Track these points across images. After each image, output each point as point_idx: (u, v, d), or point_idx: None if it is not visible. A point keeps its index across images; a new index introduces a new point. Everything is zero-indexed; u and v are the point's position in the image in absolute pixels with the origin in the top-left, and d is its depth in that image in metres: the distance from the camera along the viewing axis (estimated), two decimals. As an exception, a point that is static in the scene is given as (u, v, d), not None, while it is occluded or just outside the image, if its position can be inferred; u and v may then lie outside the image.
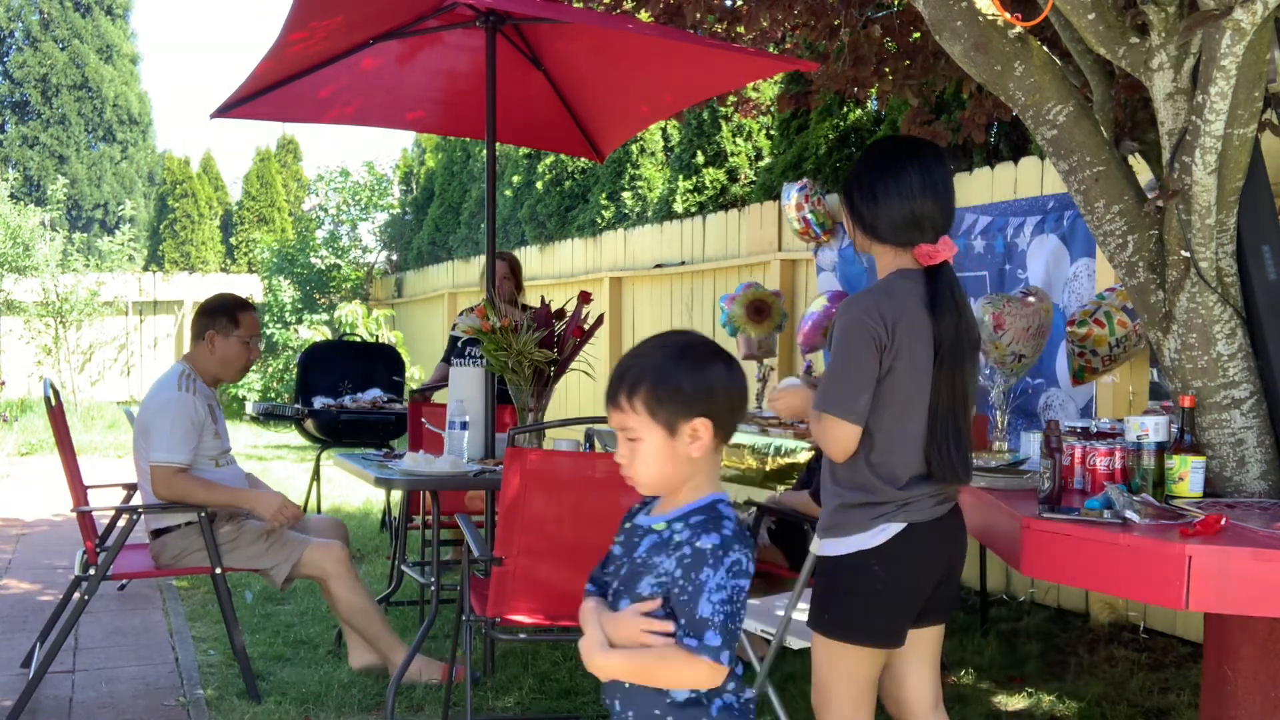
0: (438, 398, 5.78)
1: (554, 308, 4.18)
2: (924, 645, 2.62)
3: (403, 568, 5.05)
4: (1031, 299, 4.33)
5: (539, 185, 10.99)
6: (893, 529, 2.43)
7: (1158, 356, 2.92)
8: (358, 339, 12.18)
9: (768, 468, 4.83)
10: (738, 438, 4.91)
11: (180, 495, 4.03)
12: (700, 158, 8.49)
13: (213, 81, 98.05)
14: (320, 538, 4.27)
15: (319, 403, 7.43)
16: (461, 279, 13.13)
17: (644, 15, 5.02)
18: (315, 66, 4.63)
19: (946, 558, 2.51)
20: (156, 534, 4.16)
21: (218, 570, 4.03)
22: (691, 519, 1.83)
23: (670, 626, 1.77)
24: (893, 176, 2.50)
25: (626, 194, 9.58)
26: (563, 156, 10.54)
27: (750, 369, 7.18)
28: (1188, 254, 2.69)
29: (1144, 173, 3.40)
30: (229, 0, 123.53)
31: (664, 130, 9.66)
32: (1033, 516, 2.51)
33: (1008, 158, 5.65)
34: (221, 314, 4.24)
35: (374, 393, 7.63)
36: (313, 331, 14.36)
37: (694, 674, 1.76)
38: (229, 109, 4.74)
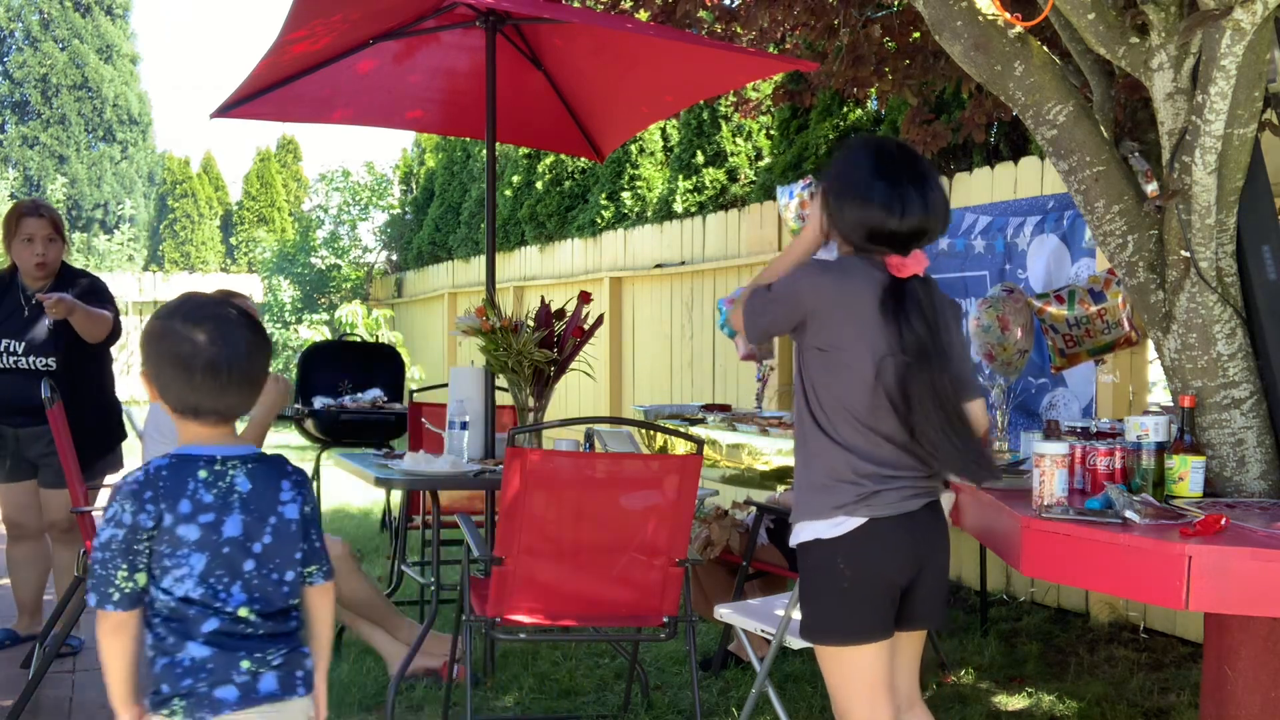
0: (438, 396, 5.74)
1: (554, 308, 4.17)
2: (904, 648, 2.57)
3: (402, 568, 5.05)
4: (1014, 294, 4.33)
5: (539, 185, 10.99)
6: (852, 523, 2.39)
7: (1159, 356, 2.92)
8: (358, 339, 12.17)
9: (767, 468, 4.83)
10: (737, 437, 4.90)
11: None
12: (700, 158, 8.49)
13: (213, 81, 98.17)
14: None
15: (319, 403, 7.43)
16: (461, 279, 13.13)
17: (642, 15, 5.03)
18: (315, 66, 4.63)
19: (918, 554, 2.45)
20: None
21: (218, 570, 4.02)
22: None
23: None
24: (880, 186, 2.43)
25: (626, 194, 9.58)
26: (563, 156, 10.53)
27: (749, 368, 7.17)
28: (1188, 254, 2.69)
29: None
30: (229, 0, 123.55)
31: (664, 130, 9.65)
32: (1032, 516, 2.51)
33: (1008, 158, 5.64)
34: None
35: (374, 393, 7.62)
36: (313, 331, 14.37)
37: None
38: (229, 109, 4.74)
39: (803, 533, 2.46)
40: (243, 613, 1.95)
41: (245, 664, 1.94)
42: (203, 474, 1.95)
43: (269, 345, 2.06)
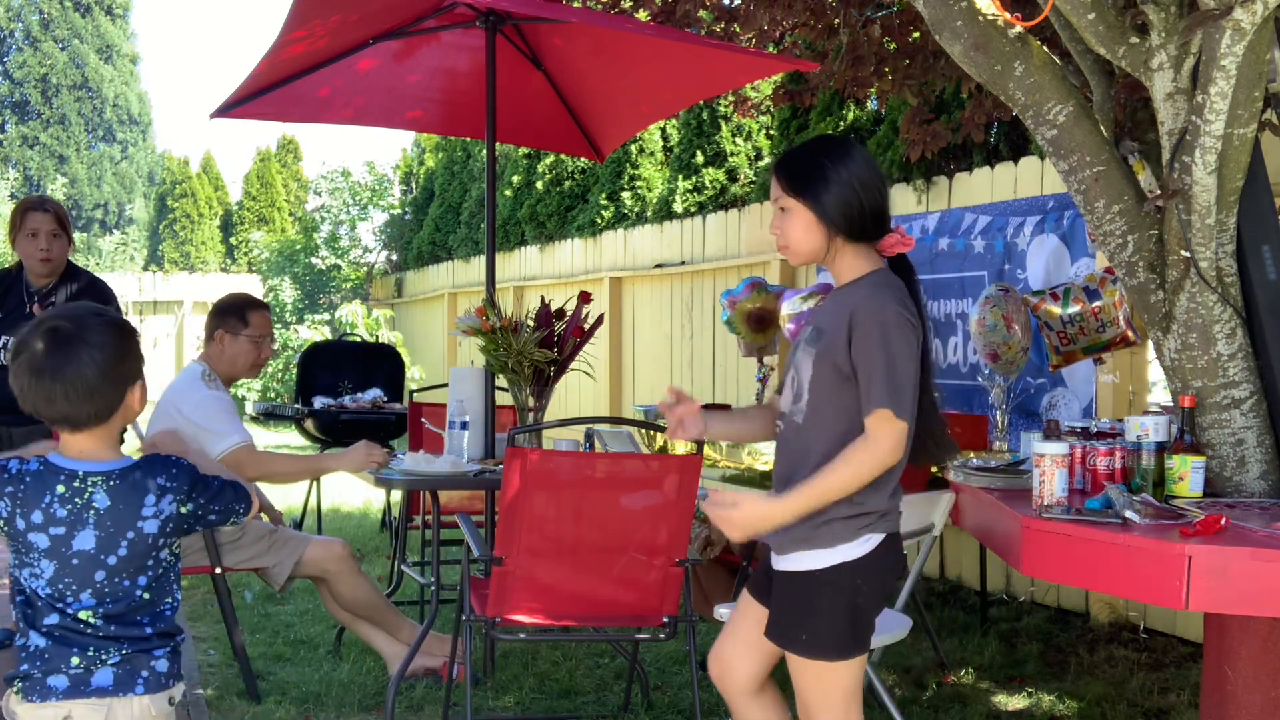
0: (438, 396, 5.74)
1: (554, 308, 4.17)
2: None
3: (403, 568, 5.05)
4: (1010, 293, 4.34)
5: (539, 185, 10.99)
6: (875, 539, 2.38)
7: (1158, 356, 2.92)
8: (358, 339, 12.18)
9: (767, 468, 4.83)
10: (738, 438, 4.90)
11: (265, 469, 4.00)
12: (700, 158, 8.48)
13: (213, 81, 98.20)
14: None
15: (319, 403, 7.43)
16: (461, 279, 13.13)
17: (642, 15, 5.03)
18: (315, 66, 4.63)
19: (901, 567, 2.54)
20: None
21: (218, 570, 4.02)
22: None
23: None
24: (860, 169, 2.42)
25: (626, 194, 9.58)
26: (563, 156, 10.53)
27: (749, 368, 7.17)
28: (1188, 254, 2.69)
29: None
30: (229, 0, 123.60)
31: (663, 130, 9.65)
32: (1032, 516, 2.51)
33: (1008, 158, 5.64)
34: (231, 313, 4.19)
35: (374, 393, 7.62)
36: (313, 331, 14.37)
37: None
38: (229, 109, 4.74)
39: (821, 559, 2.37)
40: (84, 615, 2.08)
41: (75, 660, 2.07)
42: (60, 489, 2.07)
43: (126, 360, 2.12)
